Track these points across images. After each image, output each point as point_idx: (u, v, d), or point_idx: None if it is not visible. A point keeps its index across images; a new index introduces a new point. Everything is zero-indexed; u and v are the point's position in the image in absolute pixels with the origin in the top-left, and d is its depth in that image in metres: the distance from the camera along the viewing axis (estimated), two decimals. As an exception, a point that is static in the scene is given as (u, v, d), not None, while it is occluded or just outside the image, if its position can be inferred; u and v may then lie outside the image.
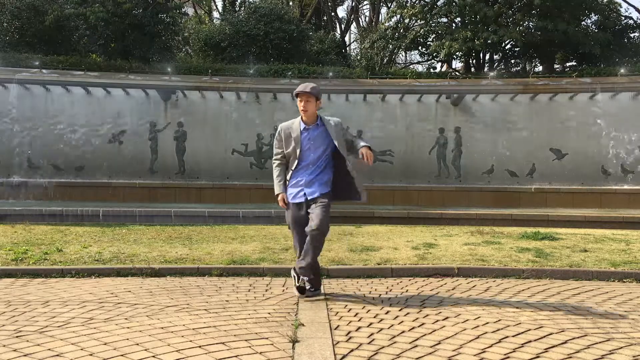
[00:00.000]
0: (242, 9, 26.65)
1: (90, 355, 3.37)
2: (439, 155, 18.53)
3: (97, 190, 17.20)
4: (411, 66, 30.39)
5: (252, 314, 4.38)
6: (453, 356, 3.42)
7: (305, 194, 5.01)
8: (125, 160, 18.10)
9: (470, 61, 23.78)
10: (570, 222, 11.45)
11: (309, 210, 4.96)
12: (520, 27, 21.19)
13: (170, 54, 22.26)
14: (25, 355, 3.37)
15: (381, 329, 3.97)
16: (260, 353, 3.42)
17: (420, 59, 27.83)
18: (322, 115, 5.17)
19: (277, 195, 5.17)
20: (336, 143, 5.04)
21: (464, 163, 18.42)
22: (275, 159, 5.26)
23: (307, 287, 4.97)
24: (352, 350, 3.50)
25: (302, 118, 5.13)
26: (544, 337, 3.81)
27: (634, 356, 3.45)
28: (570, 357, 3.42)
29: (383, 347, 3.57)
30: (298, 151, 5.04)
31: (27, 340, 3.65)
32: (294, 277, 5.06)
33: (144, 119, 18.44)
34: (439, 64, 27.25)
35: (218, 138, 18.54)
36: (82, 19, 20.44)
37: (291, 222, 5.11)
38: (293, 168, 5.09)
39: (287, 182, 5.14)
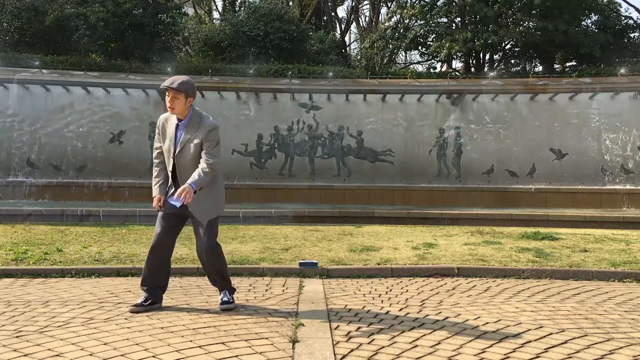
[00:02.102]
0: (242, 9, 26.66)
1: (90, 355, 3.37)
2: (439, 155, 18.52)
3: (97, 190, 17.21)
4: (411, 66, 30.37)
5: (252, 314, 4.38)
6: (453, 356, 3.42)
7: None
8: (125, 160, 18.09)
9: (471, 61, 23.77)
10: (570, 222, 11.45)
11: (192, 225, 4.63)
12: (520, 27, 21.19)
13: (170, 54, 22.24)
14: (25, 355, 3.37)
15: (381, 329, 3.97)
16: (260, 353, 3.42)
17: (420, 59, 27.83)
18: (200, 112, 4.61)
19: (154, 197, 4.61)
20: (177, 146, 4.46)
21: (464, 163, 18.41)
22: (155, 156, 4.69)
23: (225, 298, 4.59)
24: (352, 350, 3.50)
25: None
26: (544, 337, 3.81)
27: (634, 356, 3.45)
28: (570, 357, 3.42)
29: (383, 347, 3.57)
30: (172, 150, 4.51)
31: (27, 340, 3.65)
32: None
33: (144, 119, 18.43)
34: (439, 64, 27.26)
35: (218, 138, 18.49)
36: (82, 19, 20.43)
37: (158, 219, 4.60)
38: (170, 170, 4.55)
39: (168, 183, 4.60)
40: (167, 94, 4.51)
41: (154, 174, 4.66)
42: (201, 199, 4.46)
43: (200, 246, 4.65)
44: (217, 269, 4.69)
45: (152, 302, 4.52)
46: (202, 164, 4.42)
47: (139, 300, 4.51)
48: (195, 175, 4.38)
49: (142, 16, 20.82)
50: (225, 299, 4.60)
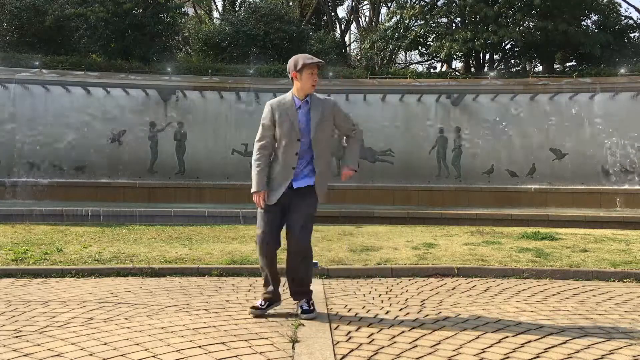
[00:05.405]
0: (242, 9, 26.66)
1: (90, 355, 3.37)
2: (439, 155, 18.53)
3: (97, 190, 17.21)
4: (411, 66, 30.39)
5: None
6: (453, 356, 3.42)
7: (292, 185, 4.30)
8: (125, 160, 18.10)
9: (470, 61, 23.78)
10: (570, 222, 11.45)
11: (292, 209, 4.31)
12: (520, 27, 21.19)
13: (170, 54, 22.27)
14: (25, 355, 3.37)
15: (381, 329, 3.97)
16: (260, 353, 3.42)
17: (420, 59, 27.84)
18: (313, 94, 4.41)
19: (255, 192, 4.27)
20: (312, 132, 4.26)
21: (464, 163, 18.42)
22: (262, 144, 4.32)
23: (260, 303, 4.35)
24: (352, 350, 3.50)
25: (295, 93, 4.36)
26: (544, 337, 3.81)
27: (633, 356, 3.45)
28: (570, 357, 3.42)
29: (383, 347, 3.57)
30: (296, 133, 4.25)
31: (27, 340, 3.65)
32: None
33: (144, 119, 18.43)
34: (439, 64, 27.27)
35: (218, 138, 18.54)
36: (82, 19, 20.45)
37: (262, 221, 4.32)
38: (284, 153, 4.28)
39: (270, 175, 4.32)
40: (309, 71, 4.28)
41: (259, 167, 4.29)
42: (325, 178, 4.39)
43: (295, 242, 4.27)
44: (306, 271, 4.39)
45: (274, 301, 4.40)
46: (354, 134, 4.46)
47: (259, 303, 4.35)
48: (353, 154, 4.45)
49: (142, 16, 20.84)
50: (305, 307, 4.29)
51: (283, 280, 4.51)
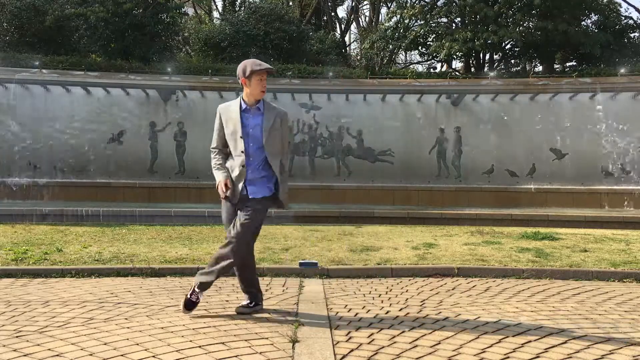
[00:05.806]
0: (242, 9, 26.66)
1: (90, 355, 3.37)
2: (439, 155, 18.52)
3: (97, 190, 17.21)
4: (411, 66, 30.38)
5: (252, 313, 4.37)
6: (453, 356, 3.42)
7: (247, 191, 4.34)
8: (125, 160, 18.10)
9: (470, 61, 23.77)
10: (570, 222, 11.46)
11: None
12: (520, 27, 21.18)
13: (170, 54, 22.26)
14: (25, 355, 3.37)
15: (381, 329, 3.97)
16: (260, 353, 3.42)
17: (420, 59, 27.84)
18: (266, 100, 4.48)
19: (219, 182, 4.38)
20: (264, 137, 4.33)
21: (464, 163, 18.41)
22: (215, 146, 4.56)
23: (246, 303, 4.46)
24: (352, 350, 3.50)
25: (243, 98, 4.43)
26: (544, 337, 3.81)
27: (633, 356, 3.45)
28: (570, 357, 3.42)
29: (383, 346, 3.57)
30: (239, 134, 4.33)
31: (27, 340, 3.65)
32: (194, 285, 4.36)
33: (144, 119, 18.43)
34: (439, 64, 27.26)
35: (218, 138, 18.49)
36: (82, 19, 20.44)
37: (226, 221, 4.42)
38: (234, 151, 4.44)
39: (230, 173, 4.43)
40: (257, 77, 4.34)
41: (217, 165, 4.53)
42: (285, 181, 4.51)
43: (246, 231, 4.28)
44: (253, 263, 4.51)
45: (256, 303, 4.48)
46: (284, 165, 4.50)
47: (246, 302, 4.48)
48: (284, 191, 4.45)
49: (142, 16, 20.83)
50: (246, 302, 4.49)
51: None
